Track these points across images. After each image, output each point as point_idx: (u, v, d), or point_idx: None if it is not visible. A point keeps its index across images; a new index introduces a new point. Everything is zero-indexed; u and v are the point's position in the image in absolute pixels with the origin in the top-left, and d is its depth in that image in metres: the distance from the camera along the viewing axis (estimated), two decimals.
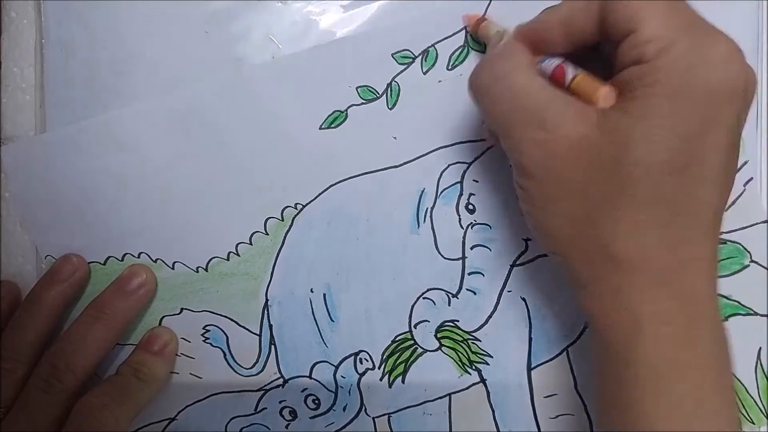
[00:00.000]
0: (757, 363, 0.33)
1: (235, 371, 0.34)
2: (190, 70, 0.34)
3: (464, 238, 0.34)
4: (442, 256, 0.34)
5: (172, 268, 0.34)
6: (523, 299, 0.34)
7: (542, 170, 0.25)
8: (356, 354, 0.34)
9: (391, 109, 0.34)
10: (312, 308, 0.34)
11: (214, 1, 0.34)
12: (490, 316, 0.34)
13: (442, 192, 0.34)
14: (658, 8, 0.23)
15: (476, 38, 0.33)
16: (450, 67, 0.33)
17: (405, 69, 0.34)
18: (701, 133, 0.23)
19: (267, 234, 0.34)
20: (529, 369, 0.34)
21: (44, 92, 0.35)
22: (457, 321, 0.34)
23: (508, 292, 0.34)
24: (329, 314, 0.34)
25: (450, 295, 0.34)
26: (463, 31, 0.33)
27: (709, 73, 0.22)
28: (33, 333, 0.32)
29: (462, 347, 0.34)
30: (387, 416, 0.34)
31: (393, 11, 0.34)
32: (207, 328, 0.34)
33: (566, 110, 0.24)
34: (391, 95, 0.34)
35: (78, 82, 0.34)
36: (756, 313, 0.32)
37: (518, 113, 0.25)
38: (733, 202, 0.33)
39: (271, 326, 0.34)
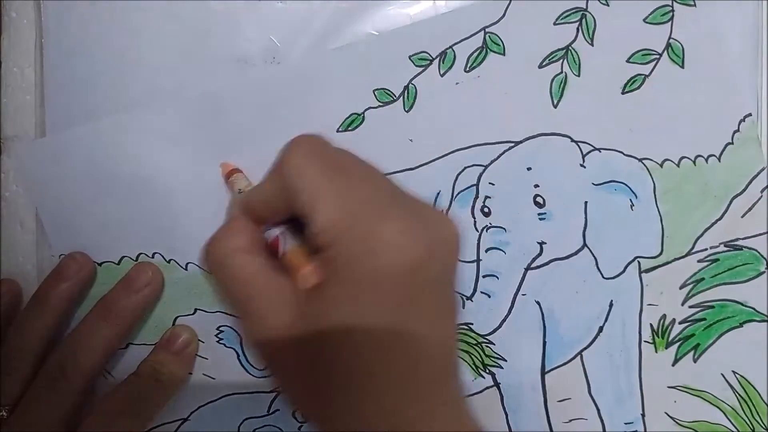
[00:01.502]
0: None
1: (248, 372, 0.34)
2: (191, 70, 0.34)
3: (479, 240, 0.34)
4: None
5: (186, 269, 0.34)
6: (537, 303, 0.34)
7: (264, 355, 0.25)
8: None
9: (407, 111, 0.34)
10: None
11: (214, 1, 0.34)
12: (504, 320, 0.34)
13: (457, 194, 0.34)
14: (328, 197, 0.23)
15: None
16: (468, 69, 0.33)
17: (422, 71, 0.33)
18: (391, 312, 0.23)
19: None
20: (543, 373, 0.34)
21: (44, 92, 0.35)
22: (471, 324, 0.34)
23: (523, 295, 0.34)
24: None
25: (464, 298, 0.34)
26: (482, 32, 0.33)
27: (378, 259, 0.23)
28: (39, 331, 0.32)
29: (476, 350, 0.34)
30: None
31: (393, 11, 0.34)
32: (221, 328, 0.34)
33: (274, 299, 0.24)
34: (408, 98, 0.33)
35: (78, 82, 0.34)
36: None
37: (236, 303, 0.25)
38: (750, 209, 0.33)
39: None
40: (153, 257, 0.34)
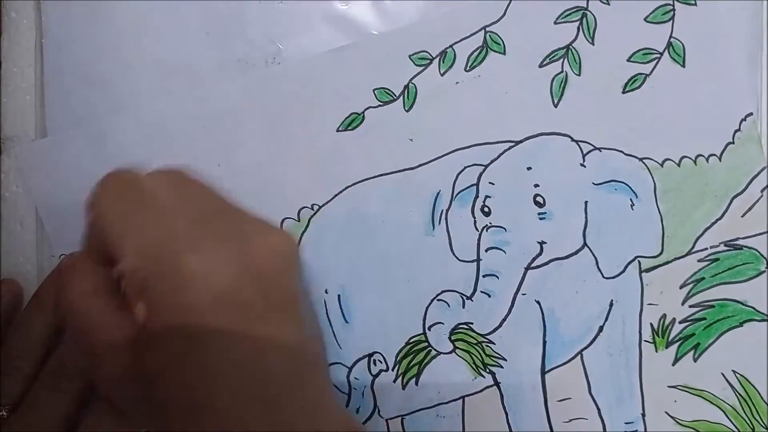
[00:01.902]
0: None
1: None
2: (191, 70, 0.34)
3: (479, 240, 0.34)
4: (457, 258, 0.34)
5: None
6: (537, 302, 0.33)
7: (111, 392, 0.25)
8: (370, 355, 0.34)
9: (407, 111, 0.33)
10: (326, 309, 0.34)
11: (214, 2, 0.34)
12: (504, 319, 0.34)
13: (457, 194, 0.34)
14: (132, 236, 0.23)
15: None
16: (468, 69, 0.33)
17: (422, 70, 0.33)
18: (212, 341, 0.22)
19: None
20: (543, 372, 0.33)
21: (44, 92, 0.35)
22: (471, 323, 0.34)
23: (523, 295, 0.33)
24: (343, 315, 0.34)
25: (464, 298, 0.34)
26: (482, 31, 0.33)
27: (186, 294, 0.22)
28: (39, 331, 0.32)
29: (476, 350, 0.34)
30: (400, 418, 0.34)
31: (394, 11, 0.34)
32: None
33: (113, 342, 0.24)
34: (408, 97, 0.33)
35: (78, 82, 0.34)
36: None
37: (82, 346, 0.25)
38: (750, 208, 0.33)
39: None
40: None
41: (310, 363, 0.25)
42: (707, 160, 0.33)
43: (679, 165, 0.33)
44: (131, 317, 0.24)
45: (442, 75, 0.33)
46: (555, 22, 0.33)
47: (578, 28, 0.33)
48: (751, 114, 0.33)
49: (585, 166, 0.33)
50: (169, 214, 0.24)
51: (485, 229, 0.34)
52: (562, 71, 0.33)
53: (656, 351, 0.33)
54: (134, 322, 0.24)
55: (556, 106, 0.33)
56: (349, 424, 0.26)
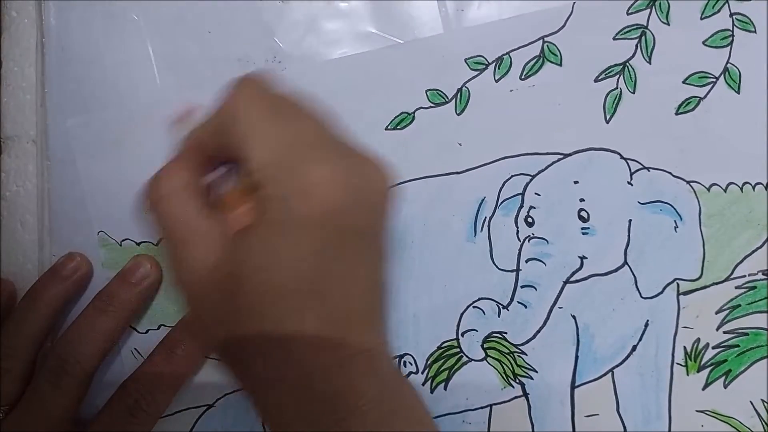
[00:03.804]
0: None
1: None
2: (192, 70, 0.34)
3: (520, 250, 0.33)
4: (497, 266, 0.33)
5: None
6: (573, 317, 0.33)
7: (188, 295, 0.25)
8: (401, 357, 0.34)
9: (459, 114, 0.33)
10: None
11: (215, 1, 0.34)
12: (538, 331, 0.33)
13: (502, 202, 0.33)
14: (262, 138, 0.23)
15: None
16: (523, 77, 0.33)
17: (477, 75, 0.33)
18: (313, 255, 0.23)
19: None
20: (573, 387, 0.33)
21: (44, 92, 0.34)
22: (505, 333, 0.33)
23: (559, 308, 0.33)
24: None
25: (500, 307, 0.33)
26: (540, 41, 0.33)
27: (303, 202, 0.22)
28: (31, 330, 0.32)
29: (508, 359, 0.34)
30: None
31: (395, 10, 0.33)
32: None
33: (204, 241, 0.24)
34: (460, 101, 0.33)
35: (78, 82, 0.34)
36: None
37: (169, 241, 0.25)
38: None
39: None
40: None
41: (382, 307, 0.25)
42: (753, 188, 0.33)
43: (725, 191, 0.33)
44: (221, 217, 0.25)
45: (496, 81, 0.33)
46: (614, 38, 0.33)
47: (636, 45, 0.33)
48: None
49: (632, 185, 0.33)
50: (300, 123, 0.24)
51: (527, 239, 0.33)
52: (616, 87, 0.33)
53: (687, 374, 0.33)
54: (224, 222, 0.24)
55: (607, 122, 0.33)
56: (398, 375, 0.26)
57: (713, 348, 0.33)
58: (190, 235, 0.25)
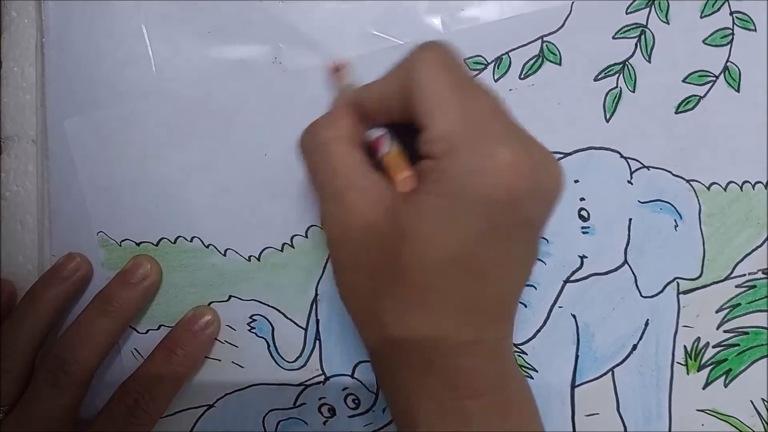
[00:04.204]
0: None
1: (277, 364, 0.34)
2: (192, 70, 0.34)
3: None
4: None
5: (224, 255, 0.34)
6: (573, 316, 0.33)
7: (339, 244, 0.25)
8: None
9: None
10: None
11: (215, 1, 0.34)
12: (538, 330, 0.33)
13: None
14: (451, 106, 0.23)
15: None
16: (522, 77, 0.33)
17: (477, 75, 0.33)
18: (480, 236, 0.23)
19: (323, 228, 0.33)
20: (573, 386, 0.33)
21: (44, 92, 0.34)
22: None
23: (559, 307, 0.33)
24: None
25: None
26: (539, 40, 0.33)
27: (485, 182, 0.22)
28: (30, 331, 0.32)
29: None
30: None
31: (395, 10, 0.33)
32: (254, 317, 0.34)
33: (366, 193, 0.25)
34: None
35: (78, 82, 0.34)
36: None
37: (327, 187, 0.25)
38: None
39: (318, 321, 0.34)
40: (192, 241, 0.34)
41: (517, 303, 0.26)
42: (753, 186, 0.33)
43: (725, 189, 0.33)
44: (379, 176, 0.25)
45: (495, 81, 0.33)
46: (613, 37, 0.33)
47: (636, 44, 0.33)
48: None
49: (632, 184, 0.33)
50: (482, 97, 0.24)
51: None
52: (616, 86, 0.33)
53: (687, 373, 0.33)
54: (383, 182, 0.25)
55: (607, 120, 0.33)
56: (515, 369, 0.27)
57: (713, 347, 0.33)
58: (349, 186, 0.25)
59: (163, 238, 0.34)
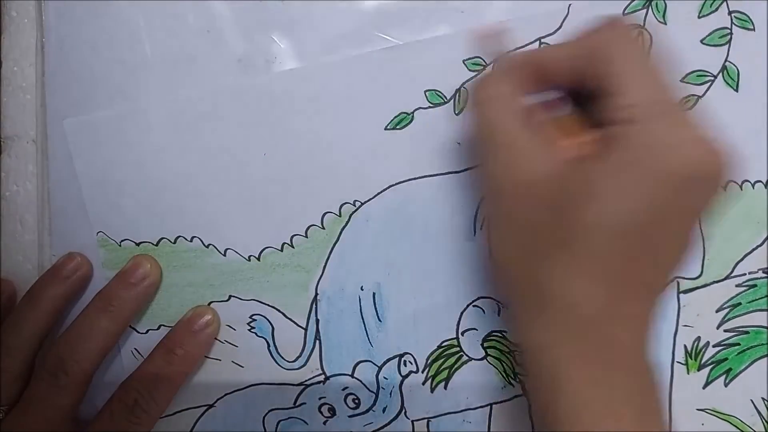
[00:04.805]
0: None
1: (277, 363, 0.34)
2: (192, 69, 0.34)
3: None
4: None
5: (224, 255, 0.34)
6: None
7: (503, 201, 0.26)
8: (401, 356, 0.34)
9: (457, 114, 0.33)
10: (360, 306, 0.34)
11: (215, 1, 0.34)
12: None
13: None
14: (649, 77, 0.24)
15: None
16: None
17: (475, 76, 0.33)
18: (664, 208, 0.23)
19: (323, 228, 0.34)
20: None
21: (44, 92, 0.34)
22: (505, 332, 0.33)
23: None
24: (377, 314, 0.34)
25: (500, 305, 0.33)
26: (537, 42, 0.33)
27: (668, 158, 0.23)
28: (30, 330, 0.32)
29: (507, 358, 0.33)
30: (426, 420, 0.34)
31: (395, 10, 0.34)
32: (254, 317, 0.34)
33: (531, 152, 0.25)
34: (458, 101, 0.33)
35: (78, 82, 0.34)
36: None
37: (490, 143, 0.26)
38: None
39: (317, 321, 0.34)
40: (192, 241, 0.34)
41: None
42: (753, 186, 0.33)
43: (725, 189, 0.33)
44: (545, 137, 0.25)
45: None
46: None
47: None
48: None
49: None
50: (665, 75, 0.24)
51: None
52: None
53: (688, 373, 0.33)
54: (549, 143, 0.25)
55: None
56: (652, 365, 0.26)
57: (714, 346, 0.33)
58: (516, 141, 0.25)
59: (163, 238, 0.34)
